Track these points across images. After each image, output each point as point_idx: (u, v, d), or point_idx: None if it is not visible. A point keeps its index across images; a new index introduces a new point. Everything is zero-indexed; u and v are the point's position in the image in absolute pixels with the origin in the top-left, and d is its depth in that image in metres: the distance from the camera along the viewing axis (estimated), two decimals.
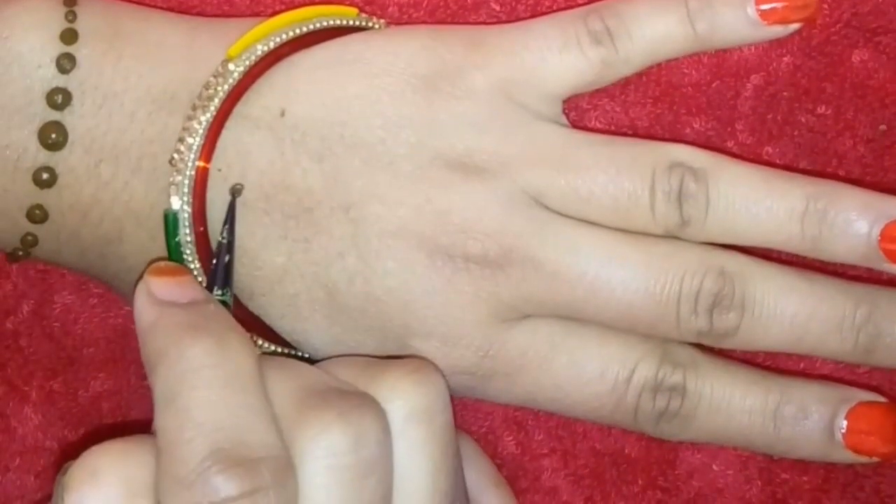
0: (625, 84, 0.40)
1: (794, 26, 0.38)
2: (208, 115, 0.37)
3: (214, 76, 0.37)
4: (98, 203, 0.37)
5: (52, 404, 0.42)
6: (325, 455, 0.32)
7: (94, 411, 0.42)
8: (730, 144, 0.40)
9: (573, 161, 0.37)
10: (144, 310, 0.34)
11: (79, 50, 0.37)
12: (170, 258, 0.37)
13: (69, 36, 0.37)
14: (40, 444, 0.42)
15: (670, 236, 0.37)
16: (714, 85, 0.40)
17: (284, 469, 0.31)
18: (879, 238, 0.37)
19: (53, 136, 0.36)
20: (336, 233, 0.37)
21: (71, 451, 0.42)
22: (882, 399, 0.38)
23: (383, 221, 0.37)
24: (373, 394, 0.34)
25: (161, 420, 0.32)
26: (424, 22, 0.40)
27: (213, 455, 0.31)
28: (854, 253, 0.37)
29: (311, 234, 0.37)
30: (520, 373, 0.38)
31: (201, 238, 0.37)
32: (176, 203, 0.37)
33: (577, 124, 0.40)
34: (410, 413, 0.34)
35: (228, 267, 0.37)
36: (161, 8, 0.40)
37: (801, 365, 0.40)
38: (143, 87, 0.37)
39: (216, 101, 0.37)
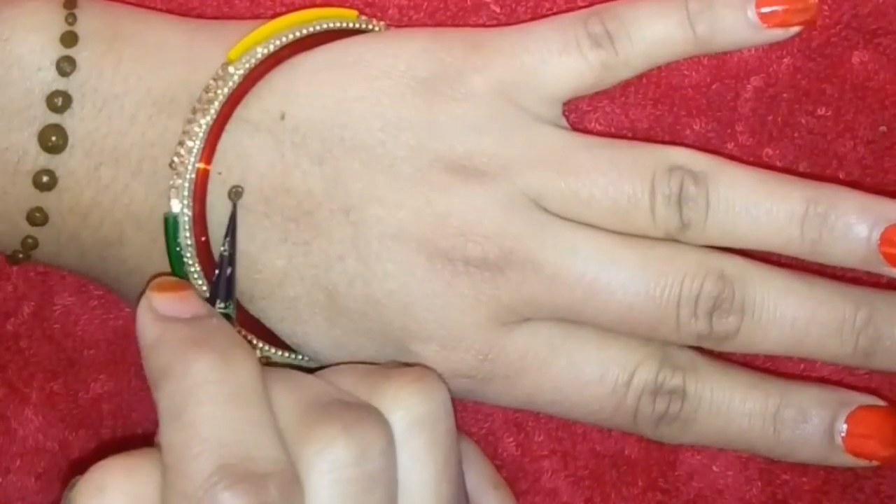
0: (625, 86, 0.40)
1: (795, 29, 0.38)
2: (208, 118, 0.37)
3: (214, 79, 0.37)
4: (98, 206, 0.37)
5: (53, 406, 0.42)
6: (330, 469, 0.32)
7: (95, 413, 0.42)
8: (730, 146, 0.40)
9: (573, 164, 0.37)
10: (147, 326, 0.34)
11: (79, 52, 0.37)
12: (170, 261, 0.37)
13: (69, 39, 0.37)
14: (41, 445, 0.42)
15: (670, 239, 0.37)
16: (714, 87, 0.40)
17: (291, 484, 0.31)
18: (879, 241, 0.37)
19: (53, 138, 0.36)
20: (336, 235, 0.37)
21: (71, 453, 0.42)
22: (881, 403, 0.38)
23: (383, 224, 0.37)
24: (375, 403, 0.34)
25: (166, 436, 0.32)
26: (424, 24, 0.40)
27: (220, 471, 0.31)
28: (854, 256, 0.37)
29: (311, 237, 0.37)
30: (519, 376, 0.38)
31: (201, 241, 0.37)
32: (176, 206, 0.37)
33: (577, 126, 0.40)
34: (413, 422, 0.34)
35: (230, 279, 0.37)
36: (161, 10, 0.40)
37: (801, 368, 0.40)
38: (143, 89, 0.37)
39: (216, 104, 0.37)
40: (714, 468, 0.41)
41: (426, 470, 0.34)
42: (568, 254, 0.37)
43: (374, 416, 0.33)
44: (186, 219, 0.37)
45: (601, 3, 0.39)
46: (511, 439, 0.42)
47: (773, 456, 0.39)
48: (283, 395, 0.33)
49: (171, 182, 0.37)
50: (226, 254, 0.37)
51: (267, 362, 0.38)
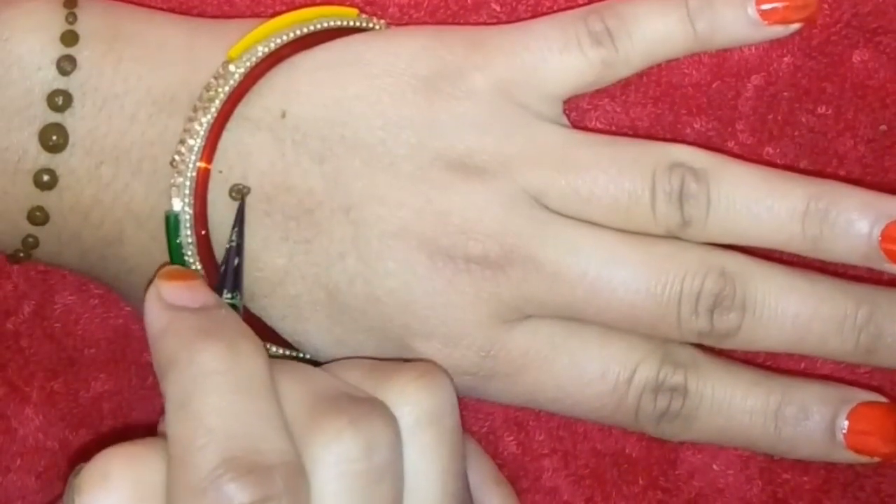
0: (625, 84, 0.40)
1: (795, 26, 0.38)
2: (209, 116, 0.37)
3: (215, 77, 0.37)
4: (99, 205, 0.37)
5: (53, 405, 0.42)
6: (337, 462, 0.32)
7: (95, 412, 0.42)
8: (730, 144, 0.40)
9: (574, 161, 0.37)
10: (155, 315, 0.34)
11: (79, 52, 0.37)
12: (171, 260, 0.37)
13: (69, 38, 0.37)
14: (41, 444, 0.42)
15: (671, 236, 0.37)
16: (715, 85, 0.40)
17: (297, 476, 0.31)
18: (880, 238, 0.37)
19: (54, 137, 0.36)
20: (337, 234, 0.37)
21: (72, 452, 0.42)
22: (883, 399, 0.38)
23: (384, 222, 0.37)
24: (381, 398, 0.34)
25: (173, 426, 0.32)
26: (425, 22, 0.40)
27: (226, 462, 0.31)
28: (855, 253, 0.37)
29: (311, 236, 0.37)
30: (521, 373, 0.38)
31: (202, 240, 0.37)
32: (177, 204, 0.37)
33: (578, 124, 0.40)
34: (420, 417, 0.34)
35: (238, 270, 0.37)
36: (161, 9, 0.40)
37: (802, 365, 0.41)
38: (143, 88, 0.37)
39: (217, 102, 0.37)
40: (715, 467, 0.41)
41: (433, 464, 0.34)
42: (569, 251, 0.37)
43: (381, 410, 0.33)
44: (187, 217, 0.37)
45: (601, 0, 0.39)
46: (512, 438, 0.42)
47: (775, 453, 0.39)
48: (290, 387, 0.33)
49: (172, 180, 0.37)
50: (233, 244, 0.37)
51: None
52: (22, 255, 0.38)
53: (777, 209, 0.37)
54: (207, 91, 0.37)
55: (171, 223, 0.37)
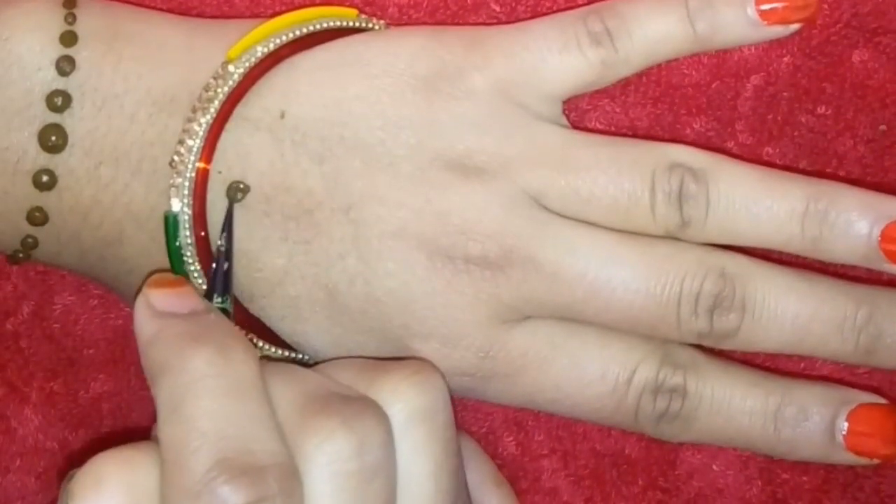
0: (625, 85, 0.40)
1: (795, 26, 0.38)
2: (208, 116, 0.37)
3: (214, 78, 0.37)
4: (98, 205, 0.37)
5: (53, 405, 0.42)
6: (329, 462, 0.32)
7: (95, 412, 0.42)
8: (730, 145, 0.40)
9: (573, 162, 0.37)
10: (145, 322, 0.34)
11: (78, 52, 0.37)
12: (170, 260, 0.37)
13: (69, 38, 0.37)
14: (41, 445, 0.42)
15: (670, 237, 0.37)
16: (714, 85, 0.40)
17: (290, 477, 0.31)
18: (880, 238, 0.37)
19: (53, 138, 0.36)
20: (336, 234, 0.37)
21: (71, 453, 0.42)
22: (882, 401, 0.38)
23: (383, 223, 0.37)
24: (373, 396, 0.34)
25: (165, 431, 0.32)
26: (424, 23, 0.40)
27: (219, 465, 0.31)
28: (854, 253, 0.37)
29: (311, 236, 0.37)
30: (520, 374, 0.38)
31: (202, 240, 0.37)
32: (176, 205, 0.37)
33: (578, 125, 0.40)
34: (411, 414, 0.34)
35: (227, 274, 0.37)
36: (161, 9, 0.40)
37: (802, 366, 0.40)
38: (142, 88, 0.37)
39: (216, 102, 0.37)
40: (714, 467, 0.41)
41: (425, 462, 0.34)
42: (568, 252, 0.37)
43: (373, 409, 0.33)
44: (186, 217, 0.37)
45: (601, 0, 0.39)
46: (511, 438, 0.42)
47: (774, 454, 0.39)
48: (281, 388, 0.33)
49: (171, 181, 0.37)
50: (223, 248, 0.37)
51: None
52: (21, 255, 0.38)
53: (776, 210, 0.37)
54: (206, 91, 0.37)
55: (170, 224, 0.37)
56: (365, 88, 0.37)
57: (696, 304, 0.37)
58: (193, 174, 0.37)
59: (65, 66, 0.36)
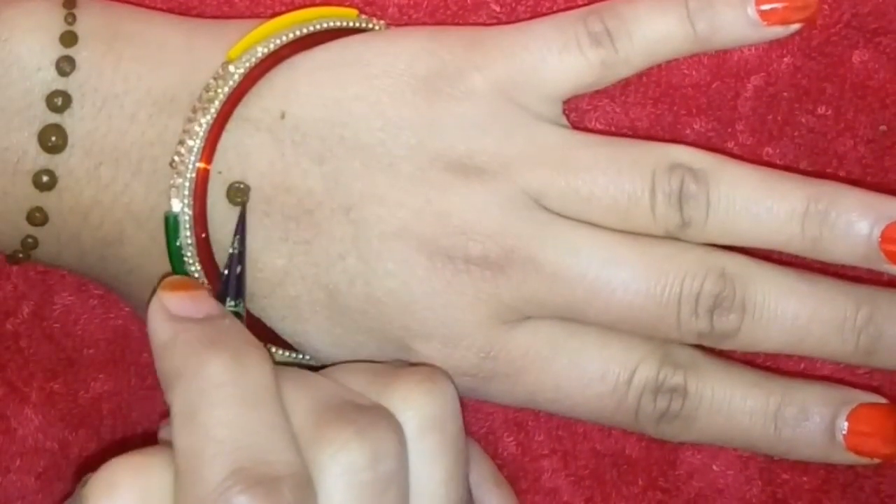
0: (625, 85, 0.40)
1: (795, 27, 0.38)
2: (208, 117, 0.37)
3: (214, 78, 0.37)
4: (98, 205, 0.37)
5: (53, 405, 0.42)
6: (343, 472, 0.32)
7: (95, 412, 0.42)
8: (730, 145, 0.40)
9: (573, 162, 0.37)
10: (159, 326, 0.34)
11: (78, 52, 0.37)
12: (170, 261, 0.37)
13: (69, 38, 0.37)
14: (41, 445, 0.42)
15: (671, 237, 0.37)
16: (714, 86, 0.40)
17: (305, 487, 0.31)
18: (880, 239, 0.37)
19: (53, 138, 0.36)
20: (337, 234, 0.37)
21: (71, 453, 0.42)
22: (883, 400, 0.38)
23: (384, 223, 0.37)
24: (385, 403, 0.34)
25: (180, 438, 0.32)
26: (424, 23, 0.40)
27: (235, 474, 0.31)
28: (855, 254, 0.37)
29: (311, 236, 0.37)
30: (521, 374, 0.38)
31: (202, 240, 0.37)
32: (176, 205, 0.37)
33: (578, 125, 0.40)
34: (423, 423, 0.34)
35: (241, 277, 0.37)
36: (161, 9, 0.40)
37: (802, 366, 0.41)
38: (143, 88, 0.37)
39: (216, 103, 0.37)
40: (714, 467, 0.41)
41: (437, 470, 0.34)
42: (568, 252, 0.37)
43: (387, 419, 0.33)
44: (187, 218, 0.37)
45: (601, 1, 0.39)
46: (511, 438, 0.42)
47: (774, 454, 0.39)
48: (295, 395, 0.33)
49: (172, 181, 0.37)
50: (235, 252, 0.37)
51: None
52: (21, 255, 0.38)
53: (776, 210, 0.37)
54: (207, 92, 0.37)
55: (171, 224, 0.37)
56: (365, 89, 0.37)
57: (697, 304, 0.37)
58: (194, 174, 0.37)
59: (65, 66, 0.36)
